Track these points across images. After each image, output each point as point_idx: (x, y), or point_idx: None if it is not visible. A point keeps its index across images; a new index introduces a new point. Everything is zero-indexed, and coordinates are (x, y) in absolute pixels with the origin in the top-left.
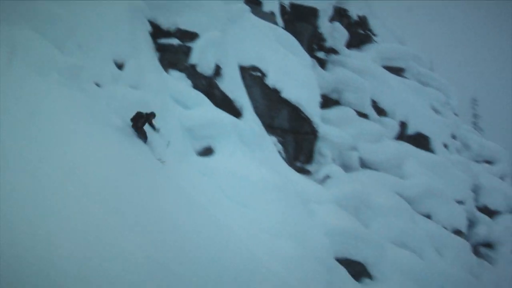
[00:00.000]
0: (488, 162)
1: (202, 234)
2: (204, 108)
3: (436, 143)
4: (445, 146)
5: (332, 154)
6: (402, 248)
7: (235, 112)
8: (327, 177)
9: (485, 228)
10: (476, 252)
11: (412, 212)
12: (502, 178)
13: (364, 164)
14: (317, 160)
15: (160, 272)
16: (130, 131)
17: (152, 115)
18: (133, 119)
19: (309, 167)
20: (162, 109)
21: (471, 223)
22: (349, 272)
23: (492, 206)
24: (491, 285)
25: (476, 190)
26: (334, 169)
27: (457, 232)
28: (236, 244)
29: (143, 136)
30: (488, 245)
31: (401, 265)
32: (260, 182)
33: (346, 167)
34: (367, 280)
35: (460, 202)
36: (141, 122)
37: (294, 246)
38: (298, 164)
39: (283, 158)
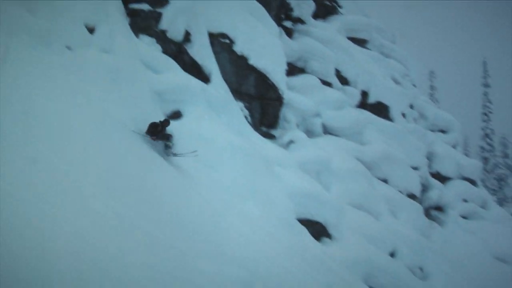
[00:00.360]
0: (442, 131)
1: (171, 197)
2: (173, 73)
3: (395, 112)
4: (403, 115)
5: (296, 120)
6: (360, 210)
7: (204, 77)
8: (291, 142)
9: (437, 192)
10: (427, 214)
11: (370, 176)
12: (454, 146)
13: (326, 130)
14: (282, 125)
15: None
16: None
17: (166, 122)
18: (149, 132)
19: (274, 132)
20: (132, 73)
21: (424, 188)
22: (310, 232)
23: (444, 172)
24: (439, 243)
25: (430, 157)
26: (298, 134)
27: (411, 196)
28: (204, 205)
29: (166, 139)
30: (439, 208)
31: (358, 226)
32: (227, 145)
33: (310, 133)
34: (326, 240)
35: (415, 168)
36: (157, 131)
37: (259, 207)
38: (264, 129)
39: (249, 122)
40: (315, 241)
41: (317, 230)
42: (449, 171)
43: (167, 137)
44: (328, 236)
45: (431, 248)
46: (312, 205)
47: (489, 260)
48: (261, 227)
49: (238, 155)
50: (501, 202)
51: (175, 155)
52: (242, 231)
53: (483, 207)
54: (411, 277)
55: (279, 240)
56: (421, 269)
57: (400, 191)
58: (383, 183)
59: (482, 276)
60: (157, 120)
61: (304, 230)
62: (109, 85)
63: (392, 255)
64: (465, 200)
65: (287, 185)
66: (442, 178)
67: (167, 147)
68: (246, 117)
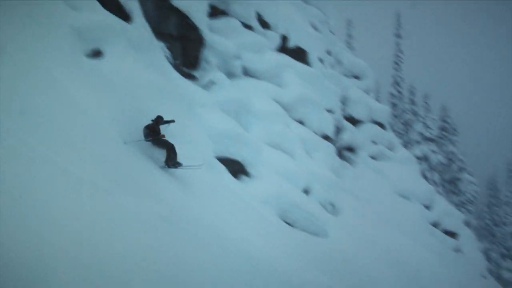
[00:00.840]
0: (356, 77)
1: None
2: (93, 10)
3: (312, 57)
4: (321, 60)
5: (217, 61)
6: (277, 150)
7: (125, 16)
8: (212, 83)
9: (349, 134)
10: (340, 154)
11: (288, 118)
12: (366, 92)
13: (246, 73)
14: (203, 66)
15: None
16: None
17: (159, 119)
18: (149, 135)
19: (195, 73)
20: (49, 9)
21: (338, 130)
22: (229, 170)
23: (356, 115)
24: (350, 182)
25: (344, 101)
26: (218, 76)
27: (325, 137)
28: (128, 151)
29: (165, 146)
30: (350, 149)
31: (275, 165)
32: (148, 85)
33: (230, 75)
34: (244, 177)
35: (329, 111)
36: (155, 130)
37: (179, 145)
38: (185, 69)
39: (170, 63)
40: (234, 178)
41: (236, 168)
42: (361, 114)
43: (170, 146)
44: (246, 174)
45: (342, 186)
46: (231, 145)
47: (393, 197)
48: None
49: (159, 94)
50: (406, 144)
51: (179, 165)
52: (162, 169)
53: (390, 149)
54: (323, 212)
55: (198, 177)
56: (332, 205)
57: (315, 132)
58: (300, 125)
59: (386, 210)
60: (148, 123)
61: (223, 168)
62: (25, 21)
63: (306, 192)
64: (375, 142)
65: (207, 124)
66: (354, 121)
67: (170, 157)
68: (167, 57)
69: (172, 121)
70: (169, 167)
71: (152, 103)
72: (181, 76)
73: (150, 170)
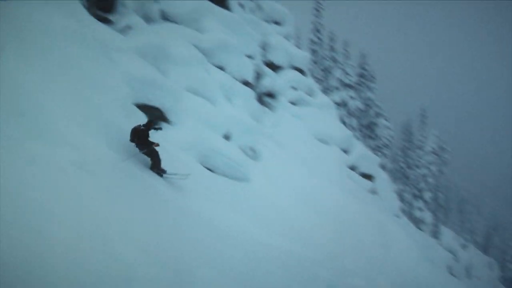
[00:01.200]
0: (277, 23)
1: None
2: None
3: (232, 1)
4: (241, 5)
5: (134, 5)
6: (197, 96)
7: None
8: (128, 27)
9: (269, 80)
10: (260, 100)
11: (207, 63)
12: (286, 38)
13: (164, 17)
14: (119, 10)
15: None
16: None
17: (151, 123)
18: (133, 139)
19: (110, 17)
20: None
21: (258, 76)
22: (148, 117)
23: (276, 61)
24: (270, 127)
25: (264, 47)
26: (135, 19)
27: (246, 83)
28: (37, 89)
29: (150, 154)
30: (271, 95)
31: (195, 111)
32: (60, 29)
33: (147, 19)
34: (164, 124)
35: (250, 57)
36: (145, 136)
37: (95, 92)
38: (100, 13)
39: (84, 6)
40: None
41: (155, 115)
42: (281, 60)
43: (154, 154)
44: (166, 121)
45: (262, 131)
46: (150, 91)
47: (313, 141)
48: (98, 113)
49: (72, 39)
50: (325, 90)
51: (164, 172)
52: (76, 116)
53: (309, 94)
54: (244, 157)
55: (115, 123)
56: (253, 150)
57: (235, 78)
58: (219, 70)
59: (306, 155)
60: (137, 125)
61: (141, 115)
62: None
63: (226, 137)
64: (294, 88)
65: (124, 70)
66: (274, 67)
67: (154, 165)
68: (80, 0)
69: (160, 128)
70: (156, 174)
71: (62, 48)
72: (96, 20)
73: (67, 119)
